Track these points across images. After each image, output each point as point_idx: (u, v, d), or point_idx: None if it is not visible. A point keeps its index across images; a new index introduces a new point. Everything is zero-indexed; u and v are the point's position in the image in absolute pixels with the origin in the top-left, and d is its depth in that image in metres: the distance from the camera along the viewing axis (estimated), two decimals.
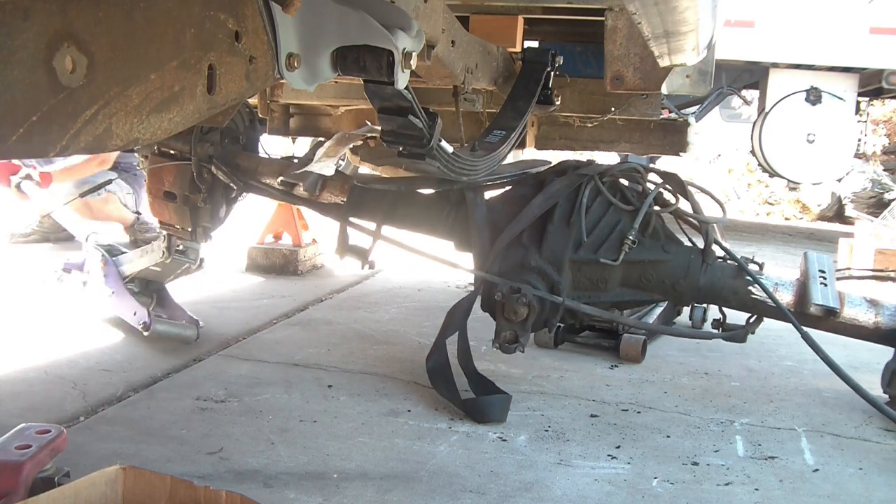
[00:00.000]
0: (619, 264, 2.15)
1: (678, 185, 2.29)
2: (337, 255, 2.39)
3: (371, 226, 2.37)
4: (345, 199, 2.40)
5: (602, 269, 2.18)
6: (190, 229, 2.48)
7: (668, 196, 2.28)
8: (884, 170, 9.17)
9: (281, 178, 2.42)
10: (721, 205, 2.34)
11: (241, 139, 2.58)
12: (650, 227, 2.21)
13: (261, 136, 2.66)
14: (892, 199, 7.23)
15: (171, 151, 2.39)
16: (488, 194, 2.39)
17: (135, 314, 2.57)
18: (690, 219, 2.25)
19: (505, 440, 1.95)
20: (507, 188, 2.42)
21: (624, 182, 2.26)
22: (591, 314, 2.26)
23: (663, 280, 2.21)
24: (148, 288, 2.76)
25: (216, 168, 2.37)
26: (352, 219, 2.38)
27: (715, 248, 2.23)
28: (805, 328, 2.16)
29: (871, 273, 4.10)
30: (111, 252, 2.76)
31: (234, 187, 2.47)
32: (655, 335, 2.90)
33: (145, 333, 2.51)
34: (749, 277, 2.17)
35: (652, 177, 2.30)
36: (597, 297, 2.25)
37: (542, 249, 2.19)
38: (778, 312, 2.15)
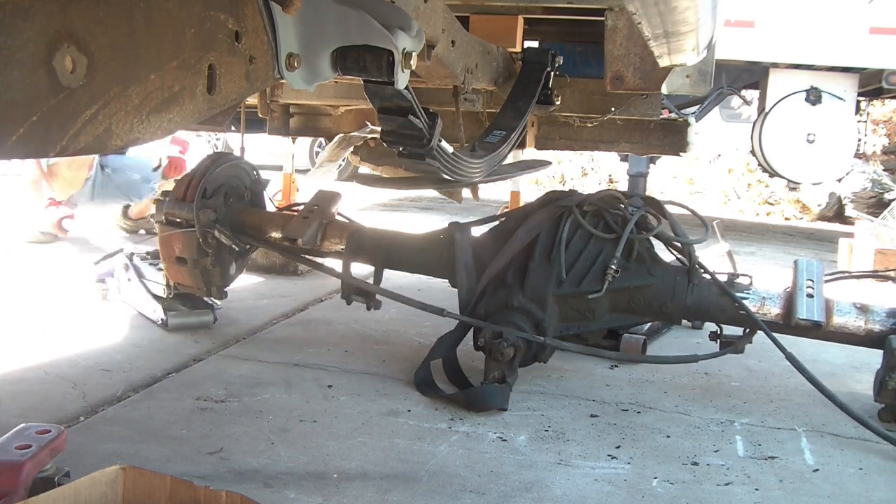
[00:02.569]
0: (605, 293, 2.19)
1: (657, 209, 2.33)
2: (343, 299, 2.48)
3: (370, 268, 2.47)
4: (344, 246, 2.48)
5: (588, 300, 2.22)
6: (204, 289, 2.62)
7: (651, 218, 2.32)
8: (884, 170, 9.16)
9: (281, 235, 2.53)
10: (705, 222, 2.37)
11: (246, 195, 2.69)
12: (634, 253, 2.24)
13: (265, 190, 2.79)
14: (892, 199, 7.23)
15: (178, 220, 2.52)
16: (478, 231, 2.46)
17: (154, 312, 2.76)
18: (673, 242, 2.30)
19: (505, 440, 1.95)
20: (495, 224, 2.48)
21: (609, 207, 2.29)
22: (574, 350, 2.31)
23: (651, 303, 2.25)
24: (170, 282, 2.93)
25: (219, 232, 2.47)
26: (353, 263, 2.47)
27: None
28: (797, 337, 2.22)
29: (867, 273, 4.10)
30: (131, 258, 3.01)
31: (237, 248, 2.59)
32: (655, 335, 2.90)
33: (165, 329, 2.70)
34: (732, 298, 2.20)
35: (632, 201, 2.34)
36: (586, 326, 2.30)
37: (525, 288, 2.22)
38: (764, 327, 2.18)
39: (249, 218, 2.60)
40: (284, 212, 2.74)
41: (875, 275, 4.00)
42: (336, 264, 2.52)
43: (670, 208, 2.38)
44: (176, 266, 2.57)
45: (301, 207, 2.64)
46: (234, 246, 2.54)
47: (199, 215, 2.44)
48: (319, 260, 2.59)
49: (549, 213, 2.28)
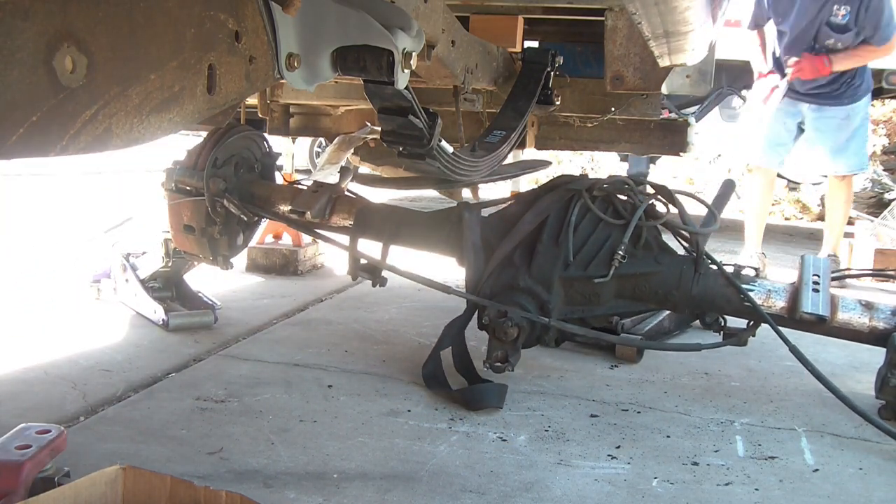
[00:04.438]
0: (611, 279, 2.18)
1: (667, 197, 2.32)
2: (349, 275, 2.47)
3: (378, 245, 2.44)
4: (352, 222, 2.47)
5: (594, 284, 2.21)
6: (211, 258, 2.63)
7: (659, 207, 2.31)
8: (884, 170, 9.15)
9: (290, 207, 2.52)
10: (714, 213, 2.36)
11: (257, 167, 2.69)
12: (642, 240, 2.23)
13: (276, 163, 2.78)
14: (892, 199, 7.22)
15: (187, 187, 2.51)
16: (487, 212, 2.44)
17: (154, 312, 2.77)
18: (681, 230, 2.29)
19: (505, 440, 1.95)
20: (505, 206, 2.46)
21: (618, 193, 2.28)
22: (578, 333, 2.30)
23: (656, 291, 2.24)
24: (169, 282, 2.96)
25: (228, 202, 2.47)
26: (360, 239, 2.45)
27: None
28: (801, 332, 2.20)
29: (871, 272, 4.12)
30: (128, 258, 3.02)
31: (246, 218, 2.58)
32: (665, 336, 2.87)
33: (167, 330, 2.70)
34: (738, 289, 2.19)
35: (642, 188, 2.33)
36: (590, 310, 2.29)
37: (532, 269, 2.22)
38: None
39: (259, 189, 2.60)
40: (294, 185, 2.73)
41: (879, 274, 4.02)
42: (344, 240, 2.49)
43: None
44: (183, 234, 2.58)
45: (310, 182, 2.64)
46: (242, 216, 2.54)
47: (209, 184, 2.44)
48: (326, 234, 2.56)
49: (559, 196, 2.28)
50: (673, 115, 3.85)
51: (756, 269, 2.32)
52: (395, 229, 2.43)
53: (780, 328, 2.15)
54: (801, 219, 8.97)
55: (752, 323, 2.23)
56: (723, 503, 1.69)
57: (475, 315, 2.28)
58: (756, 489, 1.76)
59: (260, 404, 2.10)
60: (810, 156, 4.47)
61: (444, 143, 2.07)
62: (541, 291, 2.20)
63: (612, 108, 3.25)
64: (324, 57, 1.39)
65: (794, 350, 2.11)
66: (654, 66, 2.69)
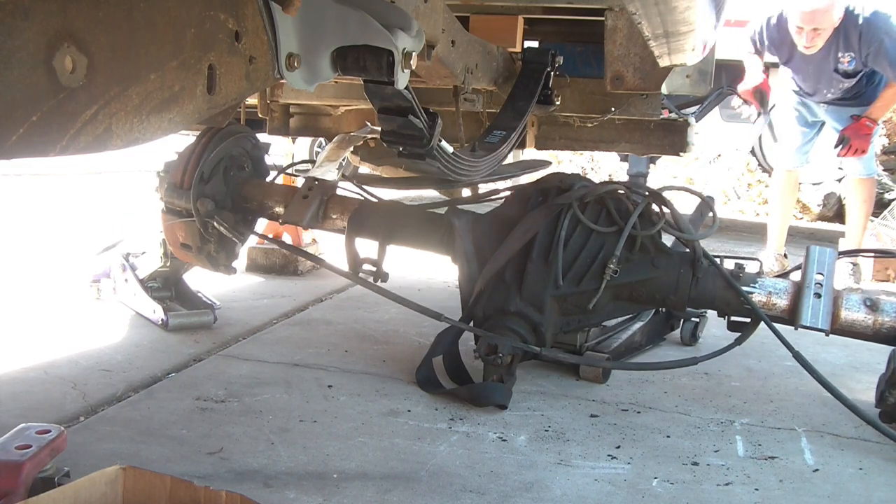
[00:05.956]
0: (606, 288, 2.16)
1: (661, 202, 2.26)
2: (348, 274, 2.47)
3: (374, 244, 2.45)
4: (347, 223, 2.46)
5: (589, 296, 2.18)
6: (212, 269, 2.61)
7: (655, 210, 2.27)
8: (884, 170, 9.14)
9: (281, 221, 2.51)
10: (713, 209, 2.34)
11: (247, 165, 2.63)
12: (637, 244, 2.19)
13: (266, 155, 2.73)
14: (892, 199, 7.22)
15: (177, 209, 2.48)
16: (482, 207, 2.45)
17: (154, 312, 2.77)
18: (678, 237, 2.25)
19: (505, 440, 1.95)
20: (495, 207, 2.43)
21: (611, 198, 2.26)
22: (568, 361, 2.30)
23: (654, 294, 2.22)
24: (168, 282, 2.95)
25: (218, 224, 2.44)
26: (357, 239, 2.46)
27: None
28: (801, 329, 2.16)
29: (879, 251, 4.17)
30: (127, 258, 3.00)
31: (237, 241, 2.56)
32: (624, 352, 2.67)
33: (166, 330, 2.70)
34: (737, 291, 2.15)
35: (638, 188, 2.31)
36: (587, 319, 2.27)
37: (523, 290, 2.19)
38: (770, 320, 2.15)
39: (251, 191, 2.56)
40: (287, 186, 2.69)
41: (882, 253, 4.06)
42: (340, 238, 2.49)
43: (676, 195, 2.34)
44: (182, 251, 2.58)
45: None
46: (233, 238, 2.51)
47: (198, 206, 2.40)
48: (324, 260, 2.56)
49: (548, 210, 2.23)
50: (673, 115, 3.84)
51: (760, 263, 2.28)
52: (390, 228, 2.43)
53: (783, 328, 2.13)
54: (802, 219, 8.97)
55: (752, 320, 2.20)
56: (723, 503, 1.69)
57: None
58: (756, 489, 1.76)
59: (260, 404, 2.09)
60: (829, 154, 4.53)
61: (444, 143, 2.07)
62: (533, 314, 2.17)
63: (612, 108, 3.25)
64: (324, 57, 1.39)
65: (797, 356, 2.06)
66: (654, 66, 2.68)
